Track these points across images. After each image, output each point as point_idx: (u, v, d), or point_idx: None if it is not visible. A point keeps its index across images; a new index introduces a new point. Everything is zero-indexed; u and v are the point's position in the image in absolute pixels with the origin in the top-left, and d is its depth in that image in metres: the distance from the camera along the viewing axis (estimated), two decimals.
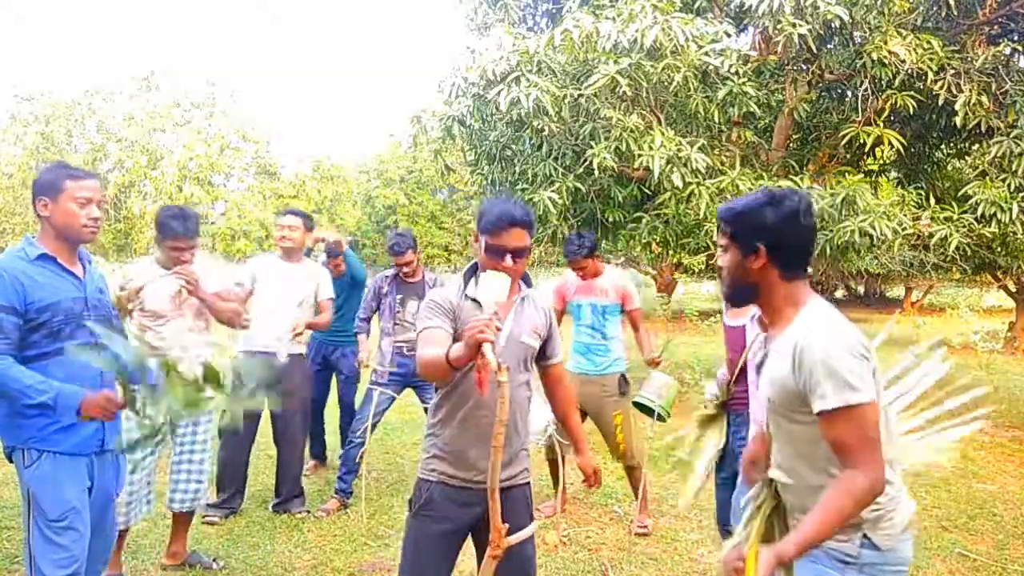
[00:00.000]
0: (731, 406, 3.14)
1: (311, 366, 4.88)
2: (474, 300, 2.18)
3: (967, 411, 2.04)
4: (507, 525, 1.91)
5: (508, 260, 2.11)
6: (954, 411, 2.03)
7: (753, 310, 2.88)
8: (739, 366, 2.99)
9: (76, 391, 2.22)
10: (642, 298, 4.45)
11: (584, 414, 4.22)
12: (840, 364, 1.58)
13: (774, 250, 1.70)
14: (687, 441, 3.13)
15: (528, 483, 2.30)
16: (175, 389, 2.14)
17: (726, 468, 3.17)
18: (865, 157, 7.66)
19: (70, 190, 2.34)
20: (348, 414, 5.19)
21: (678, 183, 5.73)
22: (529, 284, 2.29)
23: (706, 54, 5.66)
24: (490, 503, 1.86)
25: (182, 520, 3.48)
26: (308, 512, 4.24)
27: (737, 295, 1.83)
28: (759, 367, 1.88)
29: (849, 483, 1.57)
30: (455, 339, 2.10)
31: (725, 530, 3.04)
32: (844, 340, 1.62)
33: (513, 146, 7.14)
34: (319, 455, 5.25)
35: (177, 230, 3.23)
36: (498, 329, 1.85)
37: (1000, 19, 6.58)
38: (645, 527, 4.06)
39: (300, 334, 4.20)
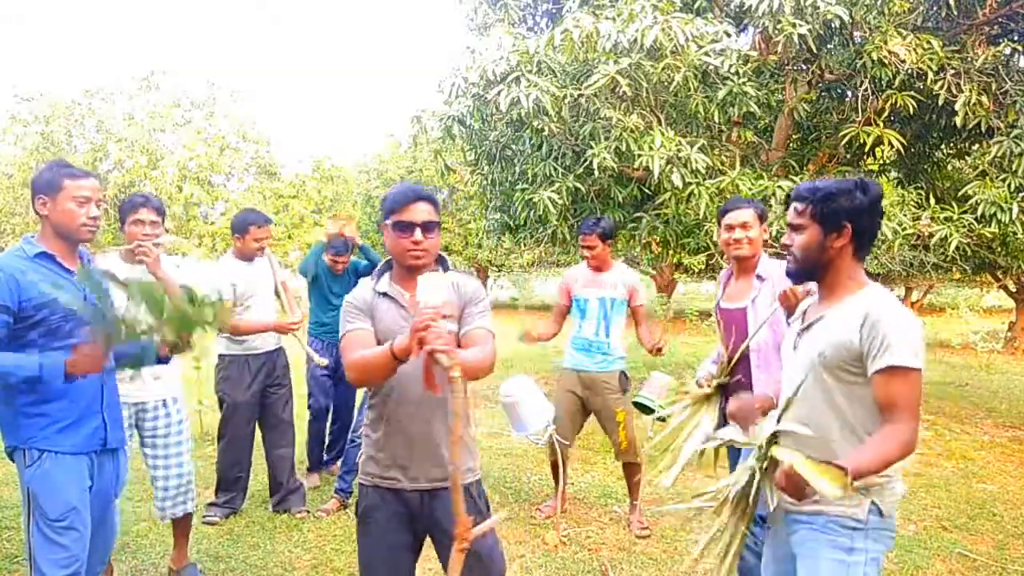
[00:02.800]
0: (732, 390, 2.89)
1: (320, 370, 4.71)
2: (383, 295, 2.12)
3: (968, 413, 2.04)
4: (472, 517, 1.87)
5: (417, 233, 2.04)
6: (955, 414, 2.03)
7: (752, 293, 2.96)
8: (740, 351, 2.87)
9: (59, 356, 2.20)
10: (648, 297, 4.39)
11: (587, 412, 4.23)
12: (912, 334, 1.78)
13: (857, 231, 1.87)
14: (679, 422, 2.90)
15: (473, 482, 2.18)
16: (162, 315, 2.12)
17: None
18: (865, 157, 7.67)
19: (69, 189, 2.34)
20: (345, 418, 4.97)
21: (678, 183, 5.73)
22: (446, 268, 2.19)
23: (706, 54, 5.66)
24: (453, 495, 1.83)
25: (178, 526, 3.39)
26: (308, 512, 4.24)
27: (807, 271, 1.95)
28: (801, 332, 2.00)
29: (897, 433, 1.74)
30: (377, 339, 2.05)
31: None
32: (912, 319, 1.82)
33: (513, 146, 7.15)
34: (317, 464, 4.95)
35: (137, 202, 3.15)
36: (438, 318, 1.79)
37: (1000, 19, 6.58)
38: (646, 528, 4.05)
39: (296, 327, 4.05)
